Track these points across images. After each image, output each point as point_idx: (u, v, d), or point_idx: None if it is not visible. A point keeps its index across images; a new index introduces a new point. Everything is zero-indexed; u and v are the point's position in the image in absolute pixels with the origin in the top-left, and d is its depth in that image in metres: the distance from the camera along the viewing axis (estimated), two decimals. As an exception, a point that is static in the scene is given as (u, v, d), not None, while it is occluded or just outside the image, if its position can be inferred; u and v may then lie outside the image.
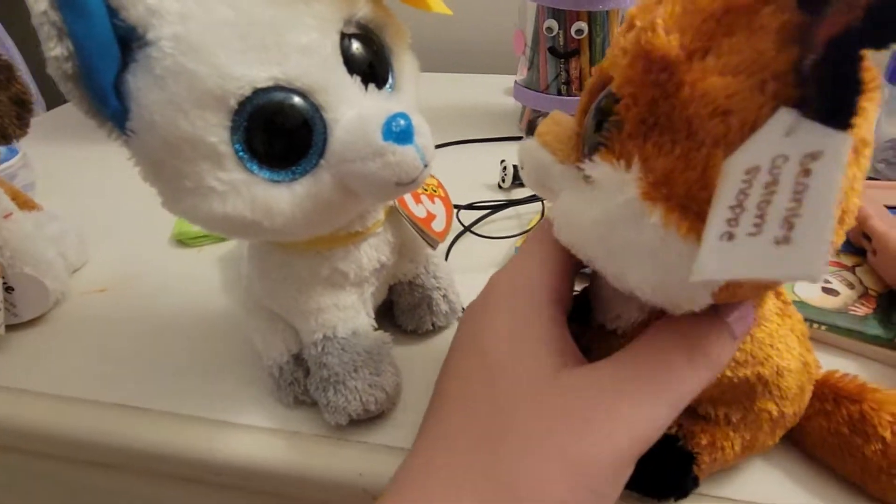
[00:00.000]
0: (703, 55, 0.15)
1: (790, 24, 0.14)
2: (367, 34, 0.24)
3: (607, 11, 0.52)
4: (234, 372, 0.32)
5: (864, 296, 0.33)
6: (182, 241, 0.44)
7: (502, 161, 0.49)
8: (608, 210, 0.17)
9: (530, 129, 0.22)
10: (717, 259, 0.14)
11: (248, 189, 0.22)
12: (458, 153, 0.58)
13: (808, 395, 0.24)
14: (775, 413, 0.22)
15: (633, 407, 0.18)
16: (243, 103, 0.21)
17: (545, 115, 0.23)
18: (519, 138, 0.59)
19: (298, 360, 0.30)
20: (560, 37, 0.53)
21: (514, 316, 0.21)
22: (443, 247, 0.41)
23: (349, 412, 0.27)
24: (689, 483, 0.23)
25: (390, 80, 0.24)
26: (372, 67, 0.23)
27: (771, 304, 0.22)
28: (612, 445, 0.17)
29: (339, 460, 0.27)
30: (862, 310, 0.32)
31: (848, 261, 0.36)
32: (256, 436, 0.29)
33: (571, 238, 0.20)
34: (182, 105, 0.20)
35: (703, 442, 0.23)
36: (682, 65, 0.16)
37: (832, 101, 0.13)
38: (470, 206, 0.44)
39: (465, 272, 0.38)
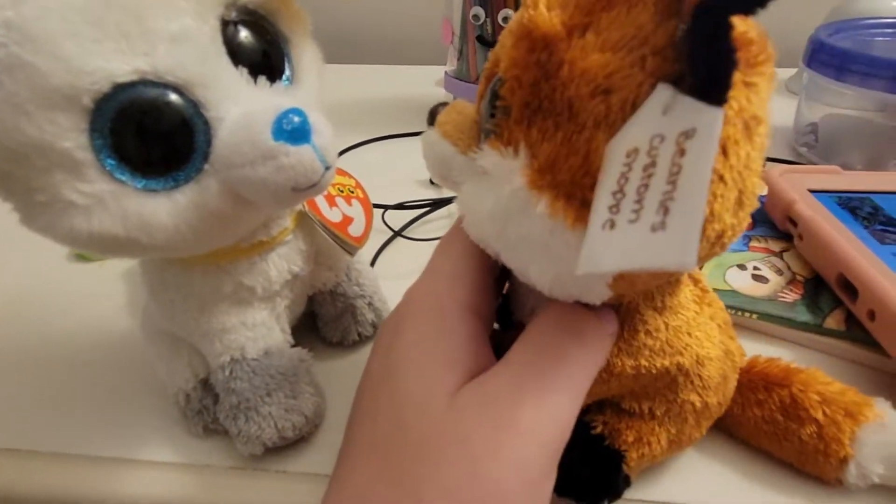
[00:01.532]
0: (582, 31, 0.15)
1: None
2: (255, 20, 0.21)
3: (534, -2, 0.51)
4: (137, 403, 0.29)
5: (792, 282, 0.33)
6: (81, 256, 0.40)
7: (433, 156, 0.47)
8: (499, 201, 0.16)
9: (431, 119, 0.20)
10: (601, 250, 0.13)
11: (116, 201, 0.19)
12: (387, 148, 0.56)
13: (732, 384, 0.24)
14: (699, 404, 0.22)
15: (536, 409, 0.17)
16: (101, 102, 0.18)
17: (444, 103, 0.21)
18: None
19: (206, 385, 0.27)
20: (487, 25, 0.52)
21: (423, 338, 0.19)
22: (368, 253, 0.39)
23: (263, 441, 0.25)
24: (620, 482, 0.23)
25: (286, 73, 0.22)
26: (265, 57, 0.21)
27: (688, 291, 0.22)
28: (519, 461, 0.16)
29: (255, 493, 0.25)
30: (791, 296, 0.32)
31: (776, 246, 0.36)
32: (163, 472, 0.26)
33: (475, 232, 0.19)
34: (23, 105, 0.17)
35: (630, 438, 0.22)
36: (561, 42, 0.15)
37: (705, 75, 0.12)
38: (399, 206, 0.42)
39: (394, 279, 0.36)
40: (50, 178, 0.18)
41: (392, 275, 0.37)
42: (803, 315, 0.31)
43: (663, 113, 0.13)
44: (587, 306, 0.18)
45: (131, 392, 0.30)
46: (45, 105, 0.17)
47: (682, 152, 0.12)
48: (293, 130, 0.19)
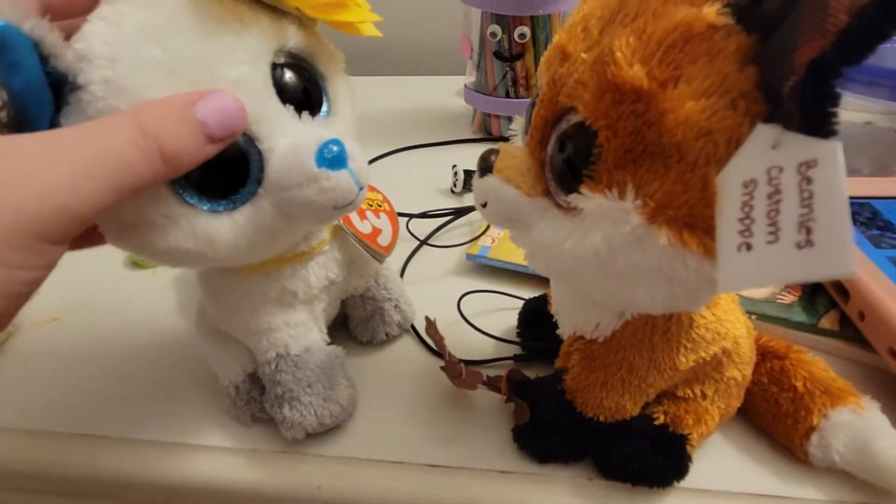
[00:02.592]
0: (675, 83, 0.17)
1: (743, 46, 0.16)
2: (298, 62, 0.24)
3: (549, 15, 0.53)
4: (190, 394, 0.33)
5: (790, 284, 0.35)
6: (135, 263, 0.43)
7: (454, 166, 0.50)
8: (610, 238, 0.18)
9: (484, 167, 0.22)
10: (741, 269, 0.15)
11: (188, 221, 0.22)
12: (411, 158, 0.58)
13: (754, 355, 0.26)
14: (740, 378, 0.25)
15: (59, 175, 0.17)
16: None
17: (495, 151, 0.22)
18: (470, 141, 0.60)
19: (254, 378, 0.30)
20: (504, 41, 0.54)
21: None
22: (397, 262, 0.42)
23: (305, 427, 0.28)
24: (686, 462, 0.25)
25: (325, 106, 0.25)
26: (306, 94, 0.24)
27: None
28: (23, 210, 0.16)
29: (297, 475, 0.28)
30: (788, 298, 0.34)
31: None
32: (215, 456, 0.29)
33: (555, 266, 0.21)
34: None
35: (690, 421, 0.25)
36: (657, 94, 0.17)
37: (816, 115, 0.14)
38: (423, 215, 0.45)
39: (417, 283, 0.39)
40: (137, 202, 0.21)
41: (417, 280, 0.40)
42: (799, 316, 0.33)
43: (773, 148, 0.15)
44: None
45: (186, 385, 0.33)
46: None
47: (808, 180, 0.14)
48: (333, 158, 0.22)
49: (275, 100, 0.23)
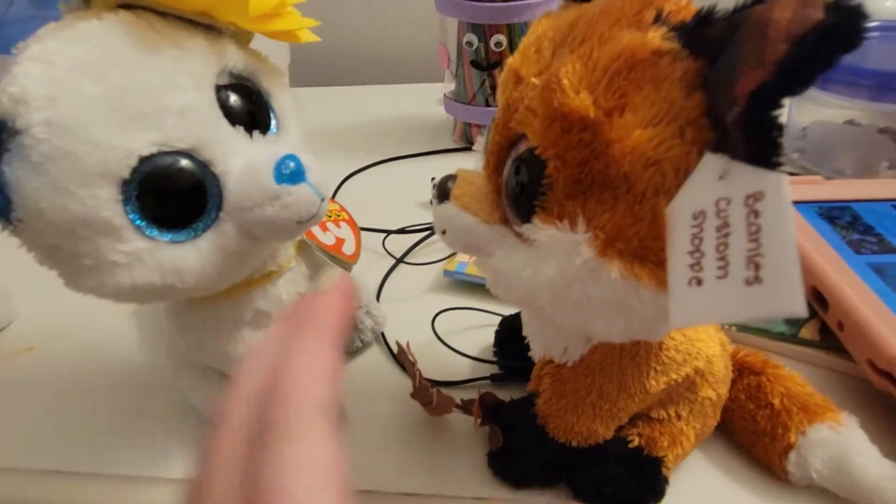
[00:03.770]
0: (621, 112, 0.16)
1: (690, 72, 0.15)
2: (242, 82, 0.24)
3: (525, 23, 0.53)
4: (169, 426, 0.32)
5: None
6: (113, 291, 0.43)
7: (433, 179, 0.49)
8: (563, 270, 0.18)
9: (442, 194, 0.22)
10: (692, 304, 0.15)
11: (152, 256, 0.22)
12: (390, 170, 0.58)
13: (730, 371, 0.26)
14: (714, 397, 0.25)
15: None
16: (132, 173, 0.21)
17: (452, 178, 0.22)
18: (451, 151, 0.59)
19: None
20: (481, 50, 0.54)
21: None
22: (374, 281, 0.41)
23: None
24: (662, 486, 0.25)
25: (273, 123, 0.25)
26: (252, 114, 0.24)
27: None
28: None
29: None
30: (767, 307, 0.33)
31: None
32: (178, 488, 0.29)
33: (516, 294, 0.21)
34: (68, 187, 0.20)
35: (665, 443, 0.25)
36: (604, 124, 0.16)
37: (760, 146, 0.14)
38: (401, 231, 0.44)
39: (394, 302, 0.39)
40: (94, 244, 0.21)
41: (394, 298, 0.40)
42: (779, 326, 0.32)
43: (720, 178, 0.15)
44: None
45: (166, 417, 0.33)
46: (86, 184, 0.20)
47: (755, 213, 0.14)
48: (291, 173, 0.22)
49: (223, 122, 0.23)
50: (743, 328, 0.33)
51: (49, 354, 0.38)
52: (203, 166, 0.22)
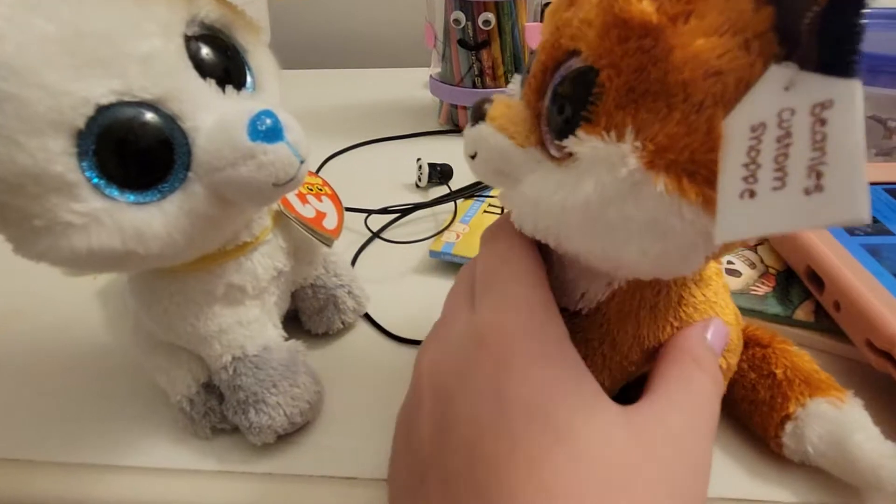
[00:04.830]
0: (685, 18, 0.15)
1: None
2: (214, 34, 0.22)
3: (514, 1, 0.51)
4: (135, 411, 0.30)
5: (764, 275, 0.34)
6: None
7: (418, 159, 0.48)
8: (603, 186, 0.17)
9: (477, 115, 0.21)
10: (743, 217, 0.14)
11: (111, 217, 0.20)
12: (374, 152, 0.57)
13: (742, 343, 0.25)
14: (724, 366, 0.23)
15: (707, 452, 0.18)
16: (88, 124, 0.19)
17: (489, 100, 0.21)
18: (437, 133, 0.58)
19: (209, 388, 0.28)
20: (469, 28, 0.52)
21: (557, 370, 0.17)
22: (348, 255, 0.40)
23: (275, 429, 0.26)
24: None
25: (249, 81, 0.23)
26: (228, 68, 0.22)
27: (713, 264, 0.23)
28: (702, 493, 0.17)
29: (242, 496, 0.26)
30: (762, 289, 0.33)
31: (750, 239, 0.37)
32: (148, 477, 0.27)
33: (542, 224, 0.19)
34: (15, 136, 0.18)
35: None
36: (667, 29, 0.15)
37: (836, 52, 0.13)
38: (383, 211, 0.43)
39: (378, 282, 0.37)
40: (46, 202, 0.19)
41: (377, 278, 0.38)
42: (774, 307, 0.32)
43: (786, 89, 0.14)
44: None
45: (129, 401, 0.31)
46: (35, 133, 0.18)
47: (822, 122, 0.13)
48: (267, 130, 0.20)
49: (193, 74, 0.21)
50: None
51: (5, 334, 0.36)
52: (170, 120, 0.20)
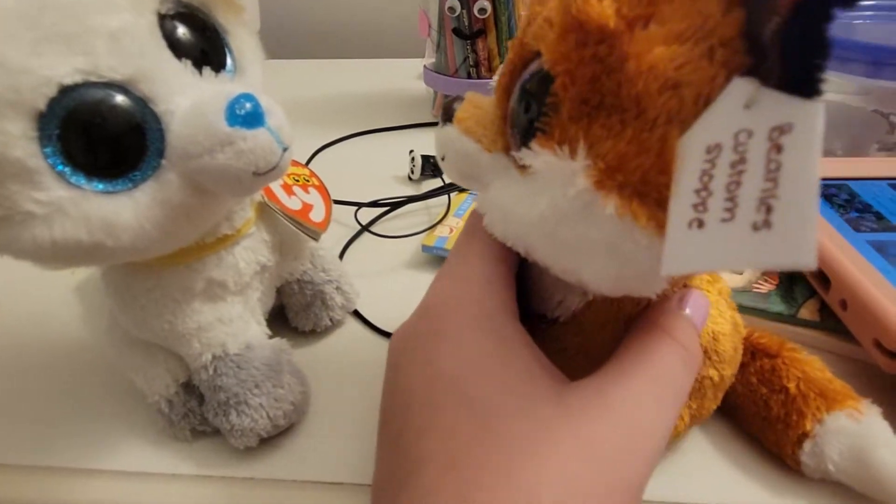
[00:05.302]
0: (644, 23, 0.14)
1: None
2: (191, 12, 0.21)
3: (511, -11, 0.50)
4: (111, 412, 0.29)
5: (767, 272, 0.33)
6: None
7: (411, 151, 0.47)
8: (556, 203, 0.16)
9: (446, 115, 0.20)
10: (688, 249, 0.13)
11: (76, 207, 0.19)
12: (366, 143, 0.55)
13: (740, 354, 0.24)
14: (716, 378, 0.22)
15: (655, 421, 0.16)
16: (48, 106, 0.18)
17: (460, 99, 0.20)
18: (431, 124, 0.57)
19: (189, 388, 0.27)
20: (464, 17, 0.51)
21: (485, 342, 0.17)
22: (336, 248, 0.38)
23: (258, 432, 0.25)
24: None
25: (229, 63, 0.22)
26: (204, 53, 0.21)
27: None
28: (645, 463, 0.16)
29: (223, 501, 0.25)
30: (765, 287, 0.32)
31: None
32: (125, 482, 0.26)
33: (509, 232, 0.18)
34: None
35: None
36: (623, 35, 0.14)
37: (799, 68, 0.12)
38: (374, 204, 0.42)
39: (367, 277, 0.36)
40: (4, 189, 0.18)
41: (368, 273, 0.37)
42: (777, 306, 0.31)
43: (745, 107, 0.12)
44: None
45: (103, 401, 0.29)
46: None
47: (778, 148, 0.12)
48: (247, 115, 0.19)
49: (167, 54, 0.19)
50: (739, 308, 0.31)
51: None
52: (141, 104, 0.19)
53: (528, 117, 0.17)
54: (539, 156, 0.16)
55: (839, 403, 0.23)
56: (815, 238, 0.11)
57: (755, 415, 0.24)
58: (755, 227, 0.12)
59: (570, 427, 0.16)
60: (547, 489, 0.14)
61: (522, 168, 0.17)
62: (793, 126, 0.12)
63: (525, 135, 0.17)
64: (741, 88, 0.13)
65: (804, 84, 0.11)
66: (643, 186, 0.14)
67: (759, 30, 0.12)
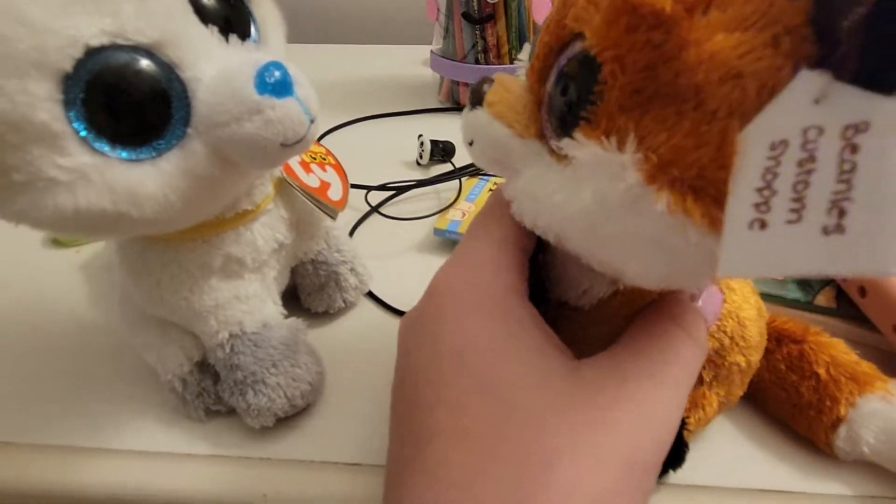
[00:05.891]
0: (705, 9, 0.13)
1: None
2: None
3: (522, -29, 0.49)
4: (121, 391, 0.28)
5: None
6: (56, 241, 0.38)
7: (419, 136, 0.47)
8: (602, 197, 0.15)
9: (475, 98, 0.19)
10: (749, 251, 0.12)
11: (100, 174, 0.18)
12: (374, 128, 0.55)
13: (765, 340, 0.24)
14: (743, 364, 0.22)
15: (671, 397, 0.17)
16: (76, 68, 0.17)
17: (489, 81, 0.19)
18: (438, 110, 0.56)
19: (203, 367, 0.26)
20: (473, 1, 0.50)
21: (493, 321, 0.17)
22: (345, 228, 0.38)
23: (275, 411, 0.25)
24: (683, 449, 0.23)
25: (253, 32, 0.21)
26: (229, 20, 0.20)
27: None
28: (658, 440, 0.16)
29: (240, 482, 0.24)
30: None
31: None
32: (143, 462, 0.25)
33: (541, 221, 0.18)
34: None
35: (687, 405, 0.22)
36: (682, 21, 0.13)
37: (880, 62, 0.11)
38: (382, 187, 0.41)
39: (377, 258, 0.36)
40: (27, 154, 0.17)
41: (380, 255, 0.37)
42: (794, 292, 0.30)
43: (815, 102, 0.12)
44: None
45: (111, 381, 0.29)
46: (15, 74, 0.16)
47: (853, 148, 0.11)
48: (276, 83, 0.19)
49: (193, 18, 0.19)
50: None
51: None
52: (168, 69, 0.18)
53: (568, 104, 0.16)
54: (584, 146, 0.15)
55: (870, 385, 0.23)
56: (895, 242, 0.10)
57: (785, 401, 0.24)
58: (826, 231, 0.11)
59: (586, 398, 0.16)
60: (565, 458, 0.14)
61: (560, 157, 0.17)
62: (869, 124, 0.11)
63: (564, 123, 0.16)
64: (810, 81, 0.12)
65: (885, 80, 0.11)
66: (699, 182, 0.14)
67: (832, 18, 0.12)
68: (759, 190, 0.12)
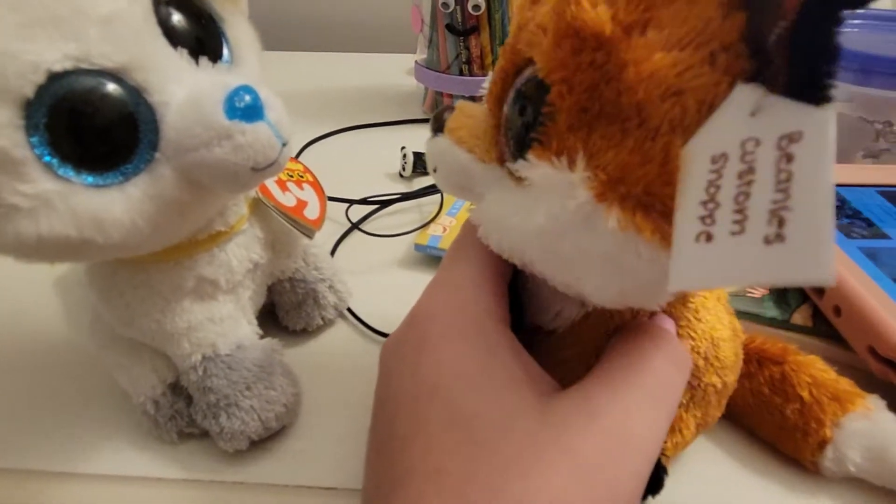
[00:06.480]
0: (642, 29, 0.14)
1: None
2: (187, 1, 0.20)
3: (505, -16, 0.50)
4: (92, 413, 0.28)
5: (753, 286, 0.33)
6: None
7: (402, 148, 0.46)
8: (555, 216, 0.15)
9: (437, 125, 0.19)
10: (697, 264, 0.13)
11: (64, 201, 0.18)
12: (356, 139, 0.54)
13: (741, 360, 0.24)
14: (719, 385, 0.22)
15: (645, 425, 0.16)
16: (39, 93, 0.17)
17: (450, 108, 0.20)
18: (422, 121, 0.56)
19: (176, 389, 0.26)
20: (457, 13, 0.50)
21: (471, 349, 0.17)
22: (327, 245, 0.38)
23: (248, 435, 0.24)
24: (661, 475, 0.22)
25: (226, 53, 0.21)
26: (200, 42, 0.20)
27: None
28: (634, 473, 0.16)
29: None
30: (759, 291, 0.32)
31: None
32: (109, 486, 0.25)
33: (506, 245, 0.18)
34: None
35: None
36: (620, 42, 0.14)
37: (807, 74, 0.11)
38: (363, 201, 0.41)
39: (359, 275, 0.35)
40: None
41: (359, 271, 0.37)
42: (771, 311, 0.31)
43: (751, 115, 0.12)
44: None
45: (78, 401, 0.28)
46: None
47: (788, 158, 0.11)
48: (246, 108, 0.18)
49: (162, 41, 0.19)
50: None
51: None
52: (135, 93, 0.18)
53: (524, 126, 0.16)
54: (536, 167, 0.16)
55: (851, 404, 0.23)
56: (832, 251, 0.11)
57: (771, 424, 0.24)
58: (767, 241, 0.11)
59: (555, 439, 0.15)
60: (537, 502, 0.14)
61: (518, 179, 0.17)
62: (803, 134, 0.11)
63: (520, 145, 0.17)
64: (746, 95, 0.12)
65: (813, 90, 0.11)
66: (647, 198, 0.14)
67: (762, 34, 0.12)
68: (704, 203, 0.13)
